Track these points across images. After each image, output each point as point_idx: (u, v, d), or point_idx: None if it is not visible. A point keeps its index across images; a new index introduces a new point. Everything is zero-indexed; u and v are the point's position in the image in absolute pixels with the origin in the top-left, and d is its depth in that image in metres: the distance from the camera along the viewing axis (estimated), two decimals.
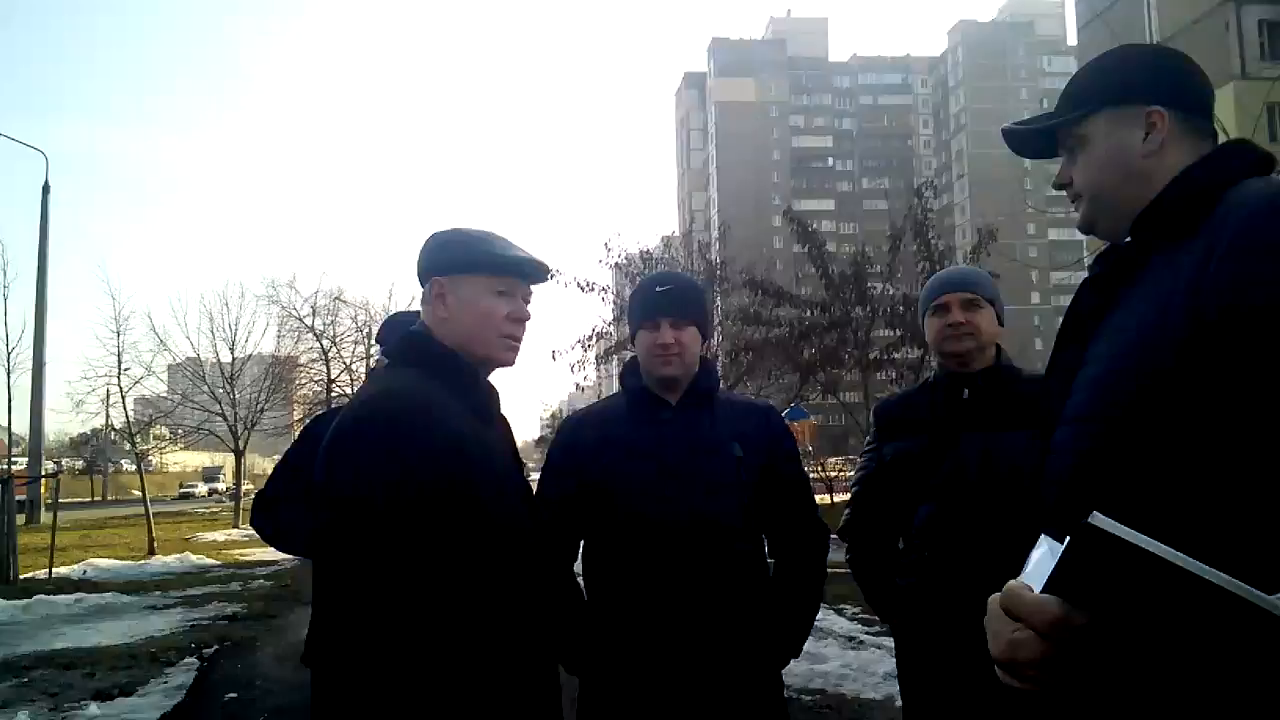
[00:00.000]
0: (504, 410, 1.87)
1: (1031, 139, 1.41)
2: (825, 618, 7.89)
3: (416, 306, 1.93)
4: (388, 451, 1.52)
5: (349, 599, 1.48)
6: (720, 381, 2.47)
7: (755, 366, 17.41)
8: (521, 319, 1.80)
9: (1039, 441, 1.23)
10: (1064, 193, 1.37)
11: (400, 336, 1.81)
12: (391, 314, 2.84)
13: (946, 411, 2.49)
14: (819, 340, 16.12)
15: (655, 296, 2.26)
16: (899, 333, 15.44)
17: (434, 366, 1.71)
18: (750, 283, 16.85)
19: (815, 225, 17.88)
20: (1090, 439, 1.13)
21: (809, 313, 16.34)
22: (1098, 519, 0.67)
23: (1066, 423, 1.18)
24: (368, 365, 22.14)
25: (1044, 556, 0.78)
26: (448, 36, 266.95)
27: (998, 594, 0.80)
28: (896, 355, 15.85)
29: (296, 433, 4.44)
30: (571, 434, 2.34)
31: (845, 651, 6.58)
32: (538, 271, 1.82)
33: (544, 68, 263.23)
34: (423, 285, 1.79)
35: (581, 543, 2.31)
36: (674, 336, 2.21)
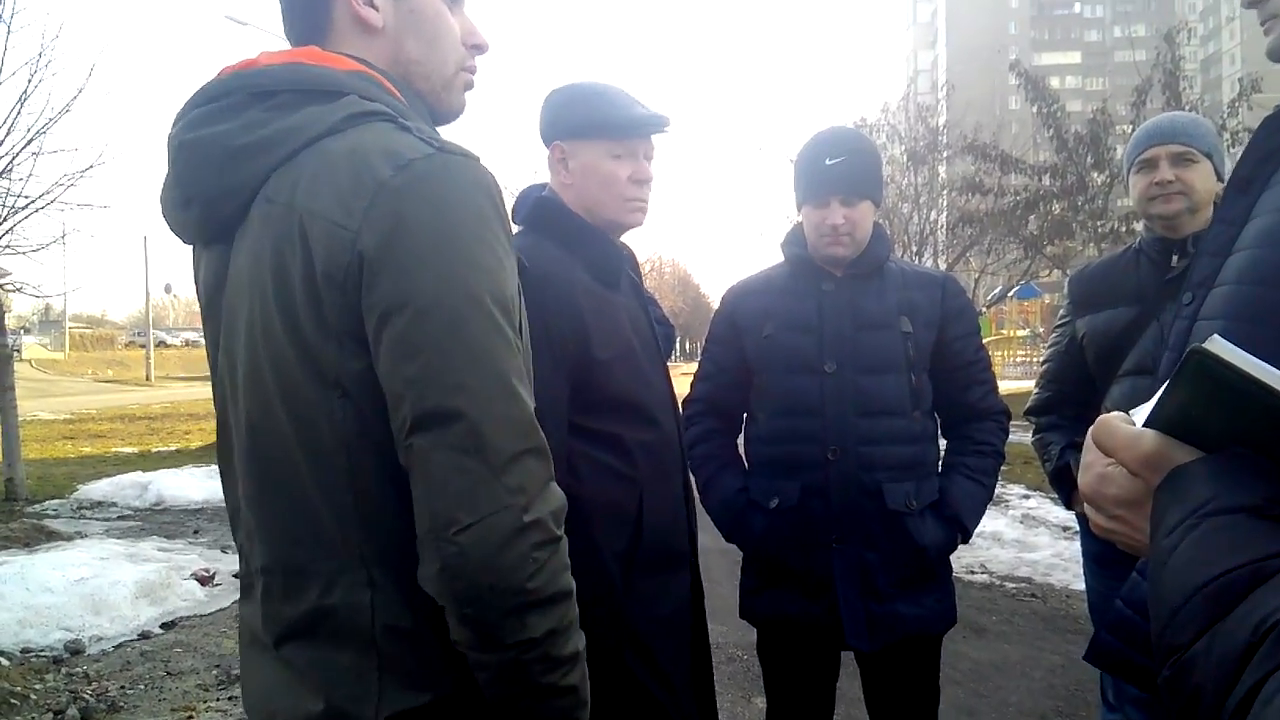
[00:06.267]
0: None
1: None
2: (1040, 505, 7.59)
3: None
4: None
5: None
6: (899, 249, 2.29)
7: (978, 240, 16.19)
8: (644, 180, 1.77)
9: (1188, 307, 1.01)
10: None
11: (531, 201, 1.80)
12: (527, 186, 2.82)
13: (1151, 281, 2.25)
14: (1047, 210, 14.39)
15: (824, 171, 2.01)
16: None
17: (557, 231, 1.71)
18: (971, 147, 15.01)
19: (1059, 81, 15.86)
20: (1242, 306, 0.91)
21: (1039, 180, 14.54)
22: (1216, 343, 0.55)
23: (1221, 285, 0.96)
24: None
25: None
26: None
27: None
28: (1137, 225, 14.04)
29: None
30: (733, 304, 2.21)
31: (1057, 541, 6.24)
32: (657, 126, 1.77)
33: None
34: (546, 147, 1.79)
35: (744, 416, 2.23)
36: (844, 215, 1.99)
